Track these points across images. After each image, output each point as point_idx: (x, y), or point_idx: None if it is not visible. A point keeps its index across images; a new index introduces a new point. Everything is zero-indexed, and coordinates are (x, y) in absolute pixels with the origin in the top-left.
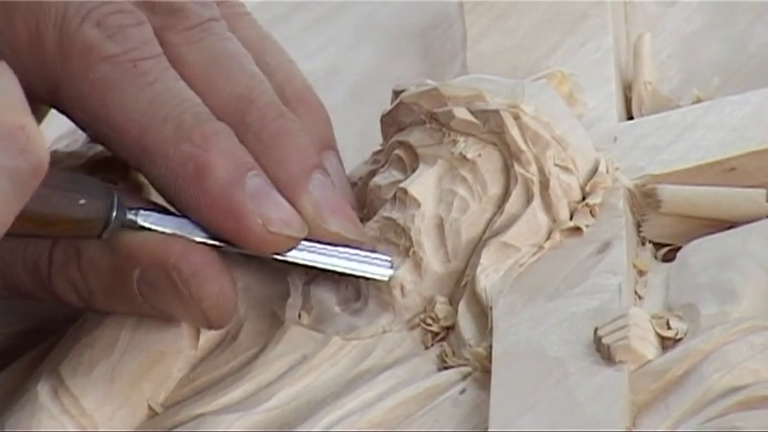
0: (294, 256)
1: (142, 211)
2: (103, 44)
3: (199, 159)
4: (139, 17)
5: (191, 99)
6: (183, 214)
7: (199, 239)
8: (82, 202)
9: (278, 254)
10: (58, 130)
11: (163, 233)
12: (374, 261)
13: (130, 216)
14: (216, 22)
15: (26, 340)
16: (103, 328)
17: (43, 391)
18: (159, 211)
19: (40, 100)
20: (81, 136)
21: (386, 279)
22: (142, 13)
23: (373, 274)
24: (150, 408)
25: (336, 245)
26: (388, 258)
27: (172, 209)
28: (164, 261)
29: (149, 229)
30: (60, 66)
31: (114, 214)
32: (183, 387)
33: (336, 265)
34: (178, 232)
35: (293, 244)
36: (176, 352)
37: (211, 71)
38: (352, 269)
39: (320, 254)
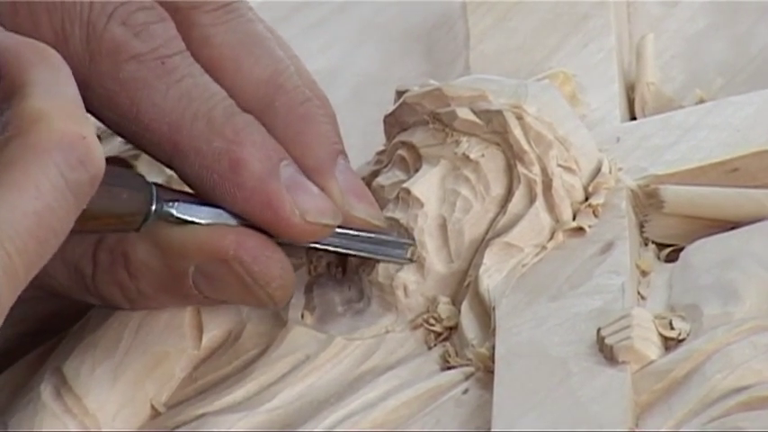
0: (325, 242)
1: (178, 203)
2: (131, 43)
3: (233, 154)
4: (162, 14)
5: (218, 93)
6: (215, 204)
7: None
8: (125, 195)
9: (314, 242)
10: None
11: (206, 224)
12: (396, 245)
13: (167, 208)
14: (241, 3)
15: (29, 340)
16: (106, 327)
17: (46, 390)
18: (193, 202)
19: None
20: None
21: (409, 260)
22: (163, 9)
23: (398, 258)
24: (153, 407)
25: (359, 230)
26: (408, 241)
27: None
28: (222, 253)
29: (187, 221)
30: (88, 65)
31: (154, 207)
32: (186, 387)
33: (366, 250)
34: (219, 221)
35: (329, 232)
36: (179, 352)
37: (239, 53)
38: (380, 253)
39: (348, 239)
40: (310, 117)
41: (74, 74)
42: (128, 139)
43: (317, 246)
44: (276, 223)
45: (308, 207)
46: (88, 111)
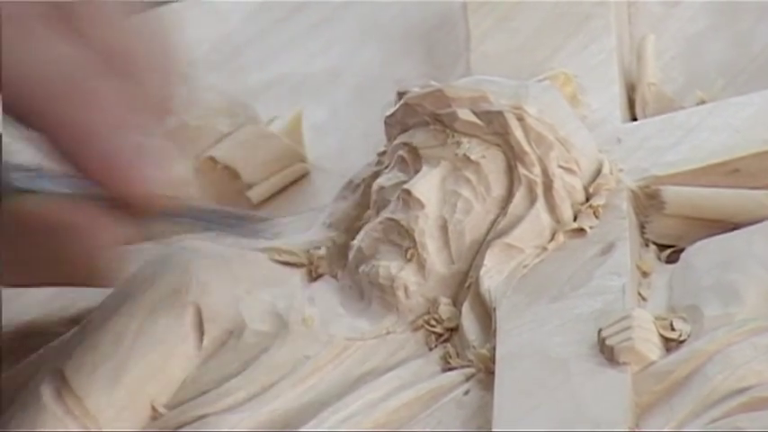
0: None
1: (25, 175)
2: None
3: (81, 120)
4: None
5: (71, 54)
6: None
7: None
8: None
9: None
10: None
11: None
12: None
13: (8, 179)
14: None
15: (29, 342)
16: (107, 329)
17: (47, 391)
18: (48, 176)
19: None
20: None
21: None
22: None
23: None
24: (154, 409)
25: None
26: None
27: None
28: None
29: (28, 191)
30: None
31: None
32: (187, 388)
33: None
34: (61, 190)
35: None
36: (180, 353)
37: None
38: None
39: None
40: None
41: None
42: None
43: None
44: (121, 191)
45: (154, 177)
46: None
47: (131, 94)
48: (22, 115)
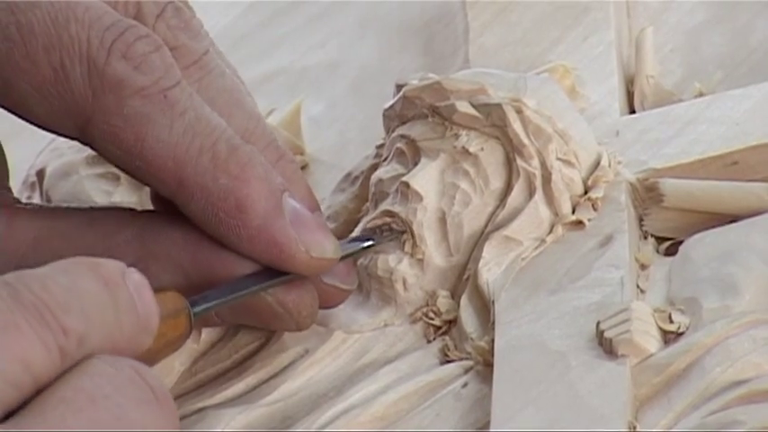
0: None
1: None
2: (133, 77)
3: (238, 192)
4: (157, 41)
5: (220, 125)
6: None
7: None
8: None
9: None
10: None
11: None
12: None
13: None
14: (209, 56)
15: None
16: None
17: None
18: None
19: (68, 136)
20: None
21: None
22: (156, 35)
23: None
24: None
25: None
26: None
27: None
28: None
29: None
30: (91, 102)
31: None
32: (186, 381)
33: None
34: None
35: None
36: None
37: (216, 109)
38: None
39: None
40: (288, 175)
41: (76, 110)
42: (132, 173)
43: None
44: (282, 261)
45: (311, 242)
46: (91, 147)
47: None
48: (164, 188)
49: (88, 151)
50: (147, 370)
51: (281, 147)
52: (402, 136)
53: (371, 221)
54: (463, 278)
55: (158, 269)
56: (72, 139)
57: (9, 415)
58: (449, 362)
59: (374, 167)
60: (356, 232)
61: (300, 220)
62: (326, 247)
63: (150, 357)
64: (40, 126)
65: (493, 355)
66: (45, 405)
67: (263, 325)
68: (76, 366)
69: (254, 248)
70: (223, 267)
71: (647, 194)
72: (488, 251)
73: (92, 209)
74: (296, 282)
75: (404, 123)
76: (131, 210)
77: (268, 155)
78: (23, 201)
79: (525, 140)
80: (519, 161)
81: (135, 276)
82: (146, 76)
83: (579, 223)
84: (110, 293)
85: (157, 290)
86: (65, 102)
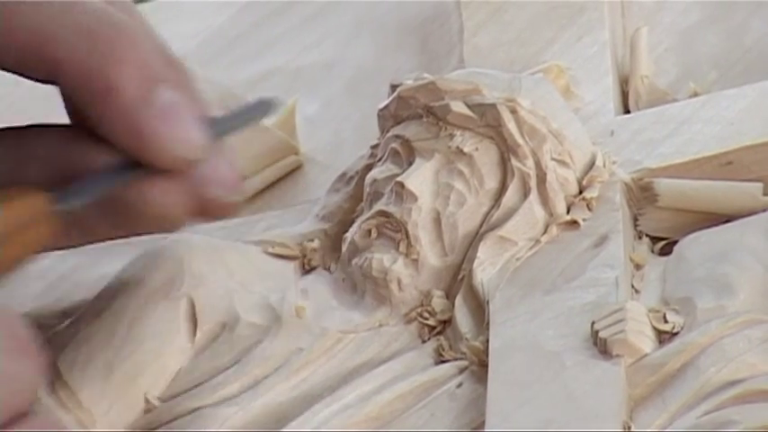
0: None
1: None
2: None
3: (108, 74)
4: None
5: (97, 6)
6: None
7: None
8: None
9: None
10: None
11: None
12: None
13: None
14: None
15: None
16: (100, 321)
17: None
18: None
19: None
20: None
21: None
22: None
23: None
24: (147, 401)
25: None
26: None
27: None
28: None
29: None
30: None
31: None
32: (181, 380)
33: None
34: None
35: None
36: (174, 345)
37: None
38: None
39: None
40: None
41: None
42: (9, 68)
43: None
44: (144, 152)
45: (176, 137)
46: None
47: (154, 47)
48: (38, 66)
49: None
50: (8, 315)
51: (168, 48)
52: (397, 136)
53: (366, 221)
54: (458, 278)
55: (37, 169)
56: None
57: None
58: (444, 362)
59: (369, 167)
60: (351, 233)
61: (170, 114)
62: (192, 143)
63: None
64: None
65: (488, 356)
66: None
67: (138, 226)
68: None
69: (116, 135)
70: (93, 161)
71: (641, 194)
72: (483, 251)
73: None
74: (163, 175)
75: (398, 123)
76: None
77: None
78: None
79: (520, 140)
80: (513, 161)
81: None
82: None
83: (574, 223)
84: None
85: (16, 191)
86: None
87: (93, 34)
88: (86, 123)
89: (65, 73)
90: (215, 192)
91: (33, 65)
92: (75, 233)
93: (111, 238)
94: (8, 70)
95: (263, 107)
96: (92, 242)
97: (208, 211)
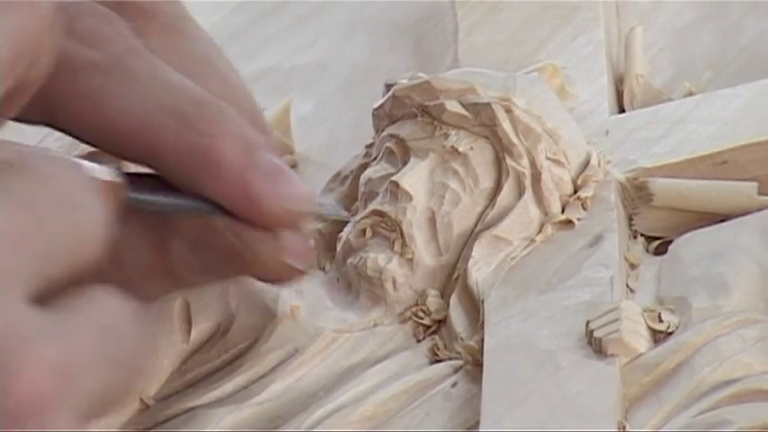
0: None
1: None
2: (84, 53)
3: (209, 147)
4: (107, 14)
5: (183, 85)
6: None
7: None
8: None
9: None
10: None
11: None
12: None
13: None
14: (182, 20)
15: None
16: None
17: None
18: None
19: (37, 122)
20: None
21: None
22: (105, 7)
23: None
24: (142, 401)
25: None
26: None
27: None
28: (209, 221)
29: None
30: (47, 85)
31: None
32: (175, 380)
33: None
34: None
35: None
36: (168, 345)
37: (187, 74)
38: None
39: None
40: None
41: (36, 95)
42: (102, 148)
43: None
44: (256, 212)
45: (286, 194)
46: (60, 129)
47: (240, 112)
48: (135, 148)
49: (76, 152)
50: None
51: (261, 118)
52: (391, 135)
53: (361, 221)
54: (453, 278)
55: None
56: (43, 125)
57: None
58: (438, 361)
59: (363, 167)
60: (345, 233)
61: (276, 174)
62: (302, 199)
63: None
64: (9, 118)
65: (482, 355)
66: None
67: (228, 269)
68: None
69: (228, 202)
70: None
71: (636, 194)
72: (478, 251)
73: None
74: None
75: (393, 123)
76: None
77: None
78: None
79: (515, 140)
80: (508, 160)
81: None
82: (97, 51)
83: (569, 223)
84: None
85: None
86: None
87: (184, 115)
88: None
89: (162, 155)
90: (289, 260)
91: (130, 147)
92: (165, 281)
93: (197, 284)
94: (104, 150)
95: (337, 212)
96: (177, 289)
97: (273, 272)
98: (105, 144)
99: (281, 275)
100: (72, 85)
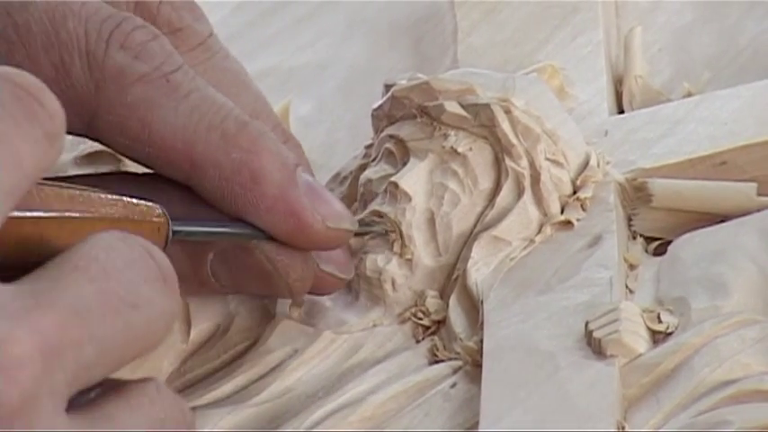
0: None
1: (193, 226)
2: (133, 65)
3: (252, 164)
4: (155, 31)
5: (226, 104)
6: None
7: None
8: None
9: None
10: None
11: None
12: None
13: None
14: (212, 38)
15: None
16: None
17: None
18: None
19: (75, 132)
20: None
21: None
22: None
23: None
24: None
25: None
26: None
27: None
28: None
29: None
30: (94, 95)
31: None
32: (174, 381)
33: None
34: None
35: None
36: (167, 346)
37: (220, 90)
38: None
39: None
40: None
41: (80, 106)
42: (143, 162)
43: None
44: (300, 231)
45: (327, 213)
46: (98, 140)
47: (275, 131)
48: (178, 165)
49: (76, 152)
50: (155, 249)
51: (287, 130)
52: (391, 136)
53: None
54: (452, 278)
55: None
56: (79, 135)
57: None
58: (437, 362)
59: (363, 167)
60: None
61: (315, 192)
62: (343, 218)
63: None
64: None
65: (481, 356)
66: (60, 271)
67: (257, 288)
68: (90, 238)
69: (271, 219)
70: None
71: (635, 194)
72: (477, 251)
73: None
74: (288, 246)
75: (392, 123)
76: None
77: (276, 135)
78: None
79: (514, 140)
80: (508, 161)
81: None
82: (146, 64)
83: (568, 223)
84: None
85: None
86: (68, 98)
87: (228, 132)
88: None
89: (205, 171)
90: (329, 268)
91: (173, 161)
92: (196, 287)
93: (228, 293)
94: (145, 164)
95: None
96: (206, 295)
97: (320, 285)
98: (146, 157)
99: (318, 285)
100: (119, 96)
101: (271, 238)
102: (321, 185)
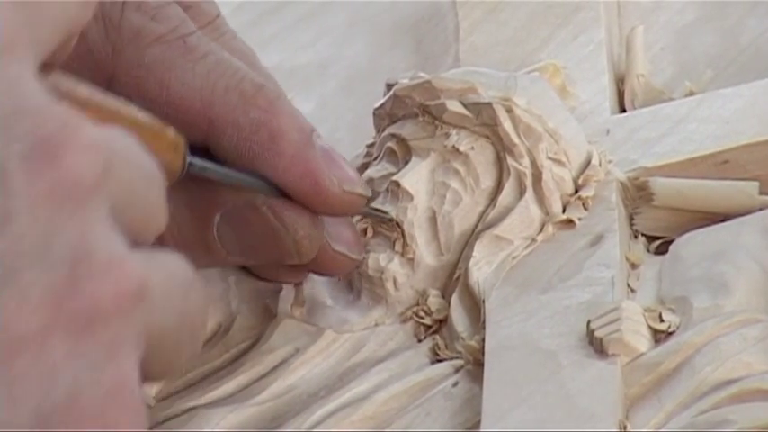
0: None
1: (211, 163)
2: (150, 26)
3: (271, 124)
4: (170, 1)
5: (242, 67)
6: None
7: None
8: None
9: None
10: None
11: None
12: None
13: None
14: (220, 18)
15: None
16: None
17: None
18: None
19: None
20: None
21: None
22: None
23: None
24: None
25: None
26: None
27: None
28: (252, 197)
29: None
30: (112, 57)
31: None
32: (176, 380)
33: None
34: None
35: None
36: None
37: None
38: None
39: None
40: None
41: (97, 69)
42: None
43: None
44: (316, 192)
45: (342, 177)
46: None
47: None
48: (197, 124)
49: None
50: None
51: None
52: (392, 135)
53: (362, 220)
54: (454, 277)
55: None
56: None
57: None
58: (439, 361)
59: (364, 167)
60: None
61: (330, 156)
62: (357, 183)
63: None
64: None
65: (483, 355)
66: None
67: (264, 249)
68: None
69: (288, 179)
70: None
71: (637, 193)
72: (479, 250)
73: None
74: (296, 203)
75: (394, 122)
76: None
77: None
78: None
79: (516, 139)
80: (509, 160)
81: None
82: (162, 25)
83: (570, 222)
84: None
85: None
86: (85, 62)
87: (246, 93)
88: None
89: (224, 131)
90: (339, 247)
91: (191, 121)
92: (202, 254)
93: (233, 263)
94: None
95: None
96: (213, 266)
97: (332, 265)
98: (164, 118)
99: (330, 265)
100: (137, 58)
101: (284, 196)
102: (336, 151)
